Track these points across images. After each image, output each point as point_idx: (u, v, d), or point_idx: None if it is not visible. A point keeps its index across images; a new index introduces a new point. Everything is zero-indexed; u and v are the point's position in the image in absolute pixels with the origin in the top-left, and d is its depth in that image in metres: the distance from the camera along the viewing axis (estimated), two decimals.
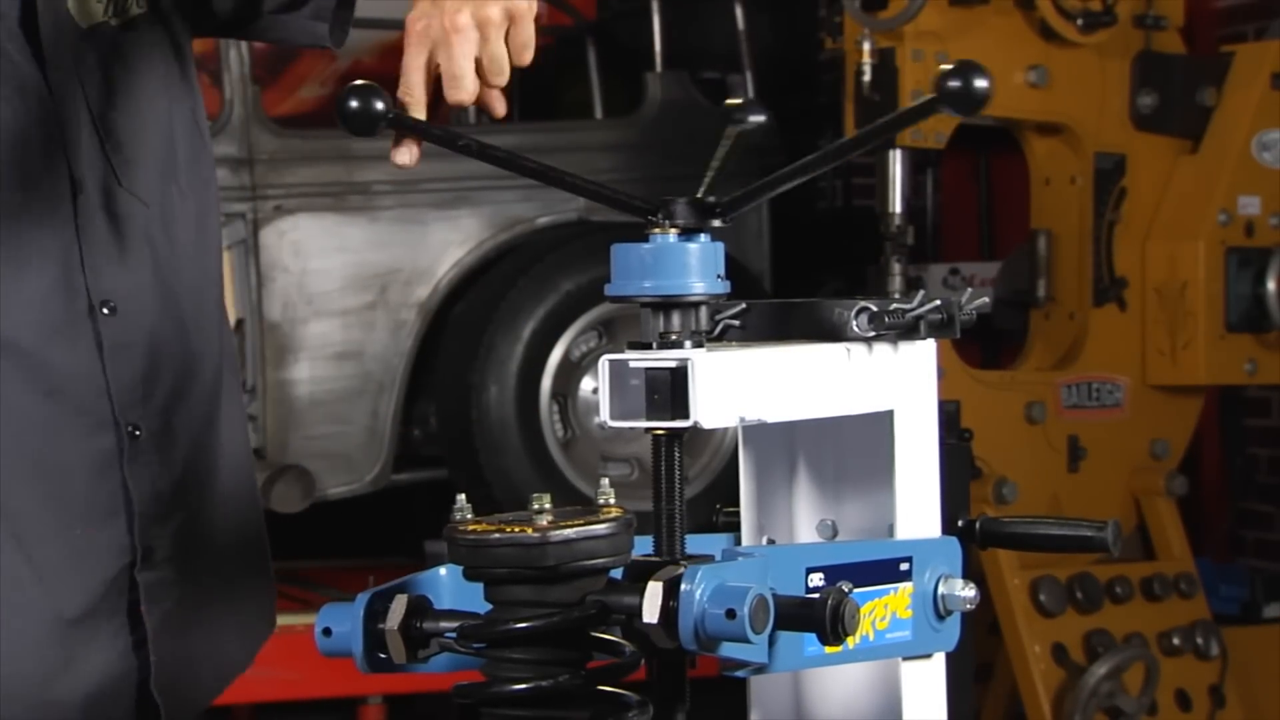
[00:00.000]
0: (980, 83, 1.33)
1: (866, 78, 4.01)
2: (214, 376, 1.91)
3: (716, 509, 1.62)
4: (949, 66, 1.34)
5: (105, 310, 1.78)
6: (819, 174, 1.49)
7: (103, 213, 1.79)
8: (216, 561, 1.91)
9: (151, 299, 1.82)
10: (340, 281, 4.50)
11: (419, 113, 1.60)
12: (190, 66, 1.92)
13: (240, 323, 4.44)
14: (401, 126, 1.54)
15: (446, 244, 4.61)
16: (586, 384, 4.58)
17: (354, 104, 1.48)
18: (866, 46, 3.99)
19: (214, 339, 1.92)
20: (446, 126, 1.54)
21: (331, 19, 1.92)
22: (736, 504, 1.60)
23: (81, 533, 1.78)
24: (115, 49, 1.81)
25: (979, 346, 4.89)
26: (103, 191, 1.78)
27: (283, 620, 4.25)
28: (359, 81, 1.49)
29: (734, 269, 1.41)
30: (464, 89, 1.58)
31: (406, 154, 1.61)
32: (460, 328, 4.58)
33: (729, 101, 1.37)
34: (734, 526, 1.59)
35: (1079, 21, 4.17)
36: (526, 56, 1.61)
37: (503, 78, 1.61)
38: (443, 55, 1.58)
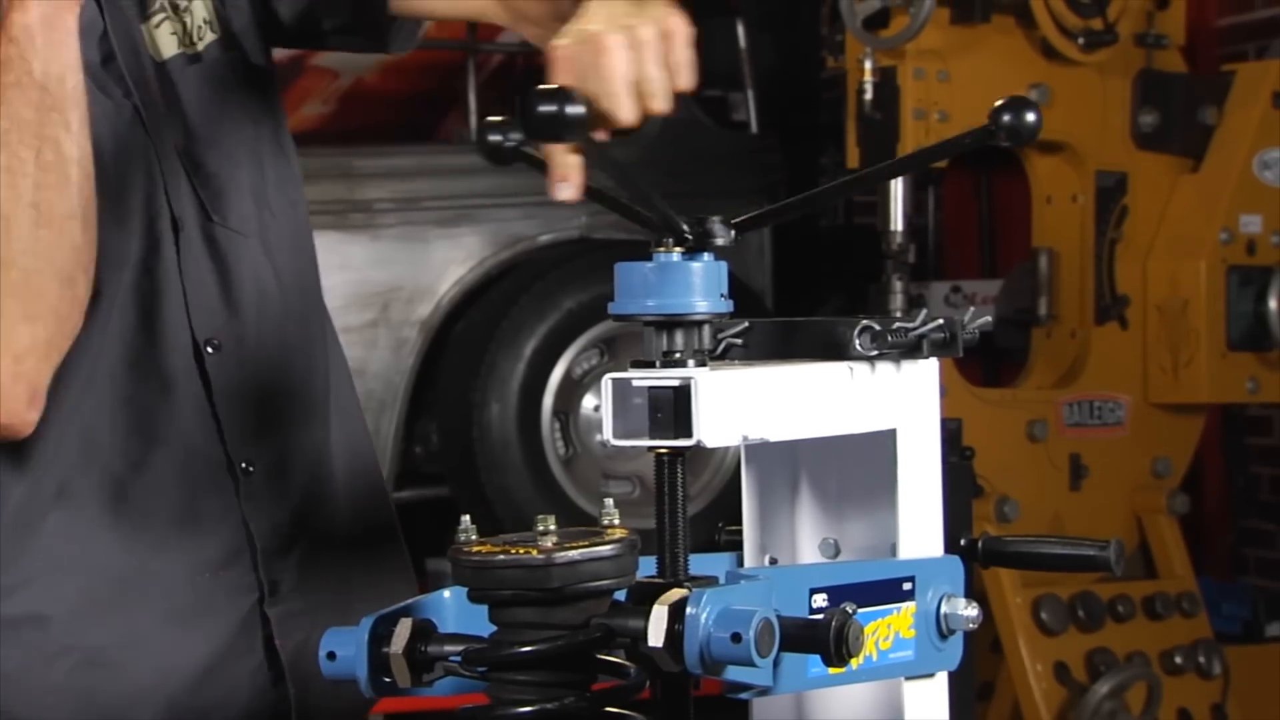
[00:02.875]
0: (1030, 116, 1.39)
1: (868, 96, 4.02)
2: (323, 397, 1.90)
3: (719, 528, 1.61)
4: (1001, 101, 1.38)
5: (210, 349, 1.78)
6: (840, 198, 1.50)
7: (203, 249, 1.78)
8: (344, 582, 1.90)
9: (256, 332, 1.82)
10: (342, 299, 4.50)
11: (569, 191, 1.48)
12: (269, 85, 1.91)
13: None
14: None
15: (448, 262, 4.62)
16: (588, 402, 4.58)
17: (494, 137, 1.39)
18: (868, 65, 3.99)
19: (321, 357, 1.91)
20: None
21: (389, 32, 1.93)
22: (739, 522, 1.60)
23: (210, 576, 1.79)
24: (193, 79, 1.81)
25: (980, 364, 4.89)
26: (200, 227, 1.78)
27: None
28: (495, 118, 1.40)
29: (736, 286, 1.41)
30: (623, 112, 1.45)
31: (570, 189, 1.46)
32: (462, 345, 4.58)
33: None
34: (736, 545, 1.59)
35: (1080, 40, 4.17)
36: (685, 78, 1.48)
37: (663, 101, 1.47)
38: (594, 81, 1.42)
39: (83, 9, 1.66)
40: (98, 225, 1.66)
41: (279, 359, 1.84)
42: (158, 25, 1.80)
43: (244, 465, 1.80)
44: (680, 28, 1.48)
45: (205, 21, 1.83)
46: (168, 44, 1.80)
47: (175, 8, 1.82)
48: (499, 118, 1.38)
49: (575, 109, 1.30)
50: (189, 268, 1.77)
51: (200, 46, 1.82)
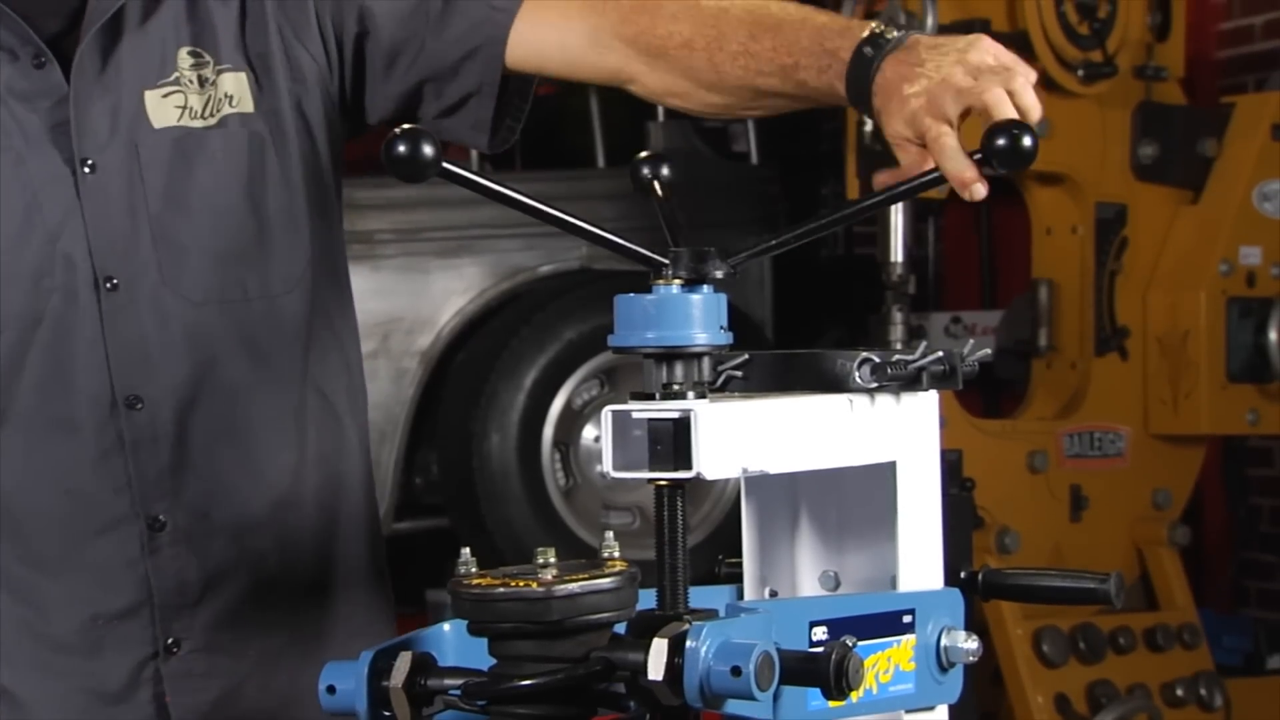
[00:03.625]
0: (1027, 140, 1.37)
1: (868, 127, 4.02)
2: (281, 454, 1.88)
3: (719, 560, 1.61)
4: (995, 123, 1.35)
5: (128, 406, 1.79)
6: (840, 227, 1.51)
7: (144, 308, 1.79)
8: (285, 637, 1.89)
9: (191, 394, 1.82)
10: None
11: (982, 189, 1.56)
12: (312, 159, 1.89)
13: None
14: (453, 177, 1.46)
15: (449, 292, 4.62)
16: (588, 432, 4.58)
17: (402, 149, 1.40)
18: None
19: (292, 427, 1.89)
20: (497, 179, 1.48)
21: (491, 129, 1.94)
22: (739, 554, 1.60)
23: (102, 624, 1.80)
24: (185, 148, 1.82)
25: (981, 395, 4.89)
26: (147, 289, 1.80)
27: None
28: (406, 125, 1.43)
29: (736, 317, 1.41)
30: (1034, 115, 1.54)
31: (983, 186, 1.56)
32: (462, 376, 4.58)
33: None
34: (736, 578, 1.58)
35: (1080, 72, 4.19)
36: (1034, 115, 1.55)
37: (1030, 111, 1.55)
38: (991, 98, 1.53)
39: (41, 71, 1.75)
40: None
41: (218, 419, 1.83)
42: (164, 95, 1.82)
43: (155, 519, 1.81)
44: (1003, 53, 1.57)
45: (228, 95, 1.85)
46: (166, 115, 1.82)
47: (202, 81, 1.84)
48: (409, 126, 1.38)
49: (429, 149, 1.34)
50: (118, 326, 1.78)
51: (212, 119, 1.84)
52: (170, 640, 1.82)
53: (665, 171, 1.41)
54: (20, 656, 1.81)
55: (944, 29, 4.00)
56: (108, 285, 1.78)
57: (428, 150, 1.34)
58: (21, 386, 1.78)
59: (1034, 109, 1.55)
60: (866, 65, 1.64)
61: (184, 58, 1.84)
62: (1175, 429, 4.34)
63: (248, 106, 1.85)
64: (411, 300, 4.58)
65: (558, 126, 5.63)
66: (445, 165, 1.36)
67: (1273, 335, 4.29)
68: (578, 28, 1.84)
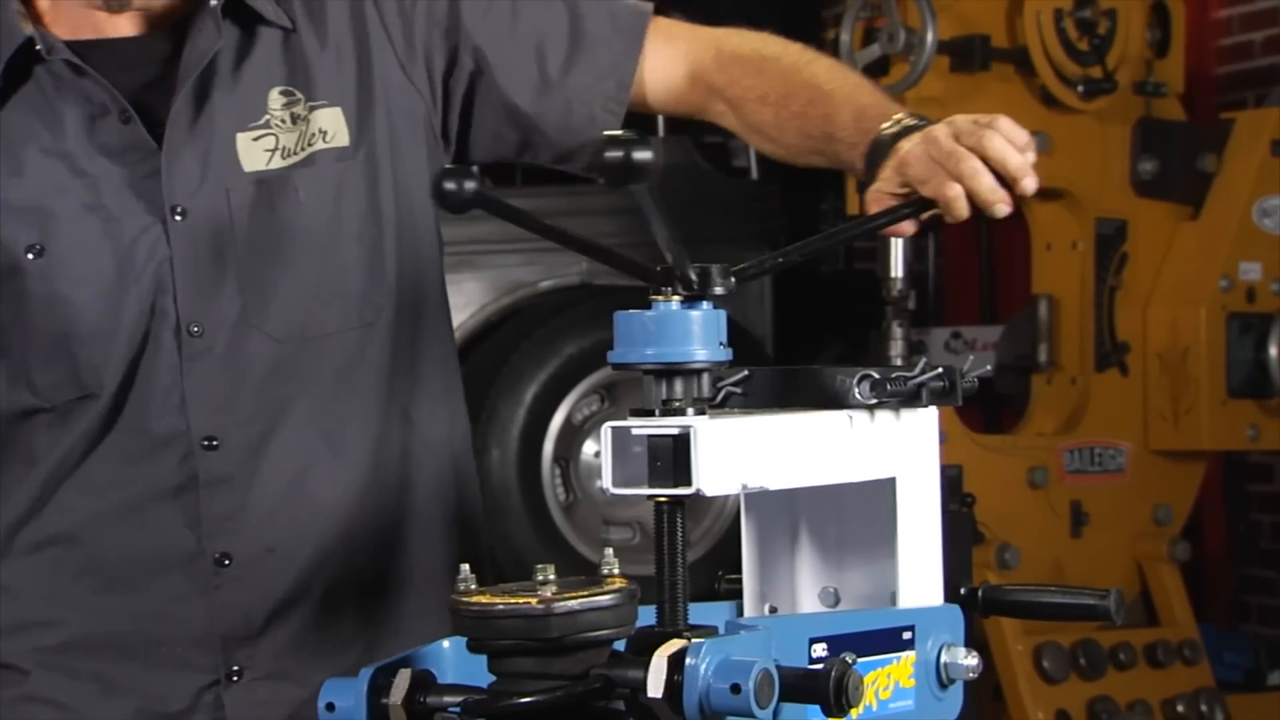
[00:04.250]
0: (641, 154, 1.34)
1: None
2: (353, 482, 1.88)
3: (719, 576, 1.61)
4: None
5: (204, 444, 1.81)
6: (832, 247, 1.52)
7: (221, 353, 1.81)
8: (354, 668, 1.89)
9: (263, 429, 1.83)
10: None
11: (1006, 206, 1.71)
12: (406, 191, 1.90)
13: None
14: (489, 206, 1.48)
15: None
16: (589, 448, 4.58)
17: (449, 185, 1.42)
18: None
19: (367, 457, 1.89)
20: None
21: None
22: (738, 570, 1.60)
23: (168, 651, 1.83)
24: (277, 187, 1.83)
25: (981, 410, 4.89)
26: (229, 330, 1.81)
27: None
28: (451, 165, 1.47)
29: (736, 332, 1.41)
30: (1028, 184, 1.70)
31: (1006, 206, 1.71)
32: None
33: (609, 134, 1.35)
34: (736, 594, 1.58)
35: (1080, 88, 4.19)
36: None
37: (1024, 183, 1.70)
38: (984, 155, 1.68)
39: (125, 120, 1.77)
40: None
41: (292, 454, 1.84)
42: (255, 138, 1.83)
43: (222, 555, 1.82)
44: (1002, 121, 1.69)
45: (321, 131, 1.85)
46: (256, 158, 1.83)
47: (294, 118, 1.85)
48: (452, 166, 1.42)
49: (471, 183, 1.36)
50: (196, 371, 1.80)
51: (302, 155, 1.85)
52: (234, 668, 1.84)
53: (645, 155, 1.38)
54: (84, 671, 1.83)
55: (944, 45, 4.01)
56: (190, 331, 1.79)
57: (470, 186, 1.37)
58: (105, 424, 1.81)
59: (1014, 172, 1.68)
60: (883, 148, 1.77)
61: (275, 98, 1.85)
62: (1176, 444, 4.34)
63: (343, 140, 1.86)
64: None
65: None
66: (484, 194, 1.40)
67: (1273, 351, 4.29)
68: (681, 70, 1.96)
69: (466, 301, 4.64)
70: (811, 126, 1.87)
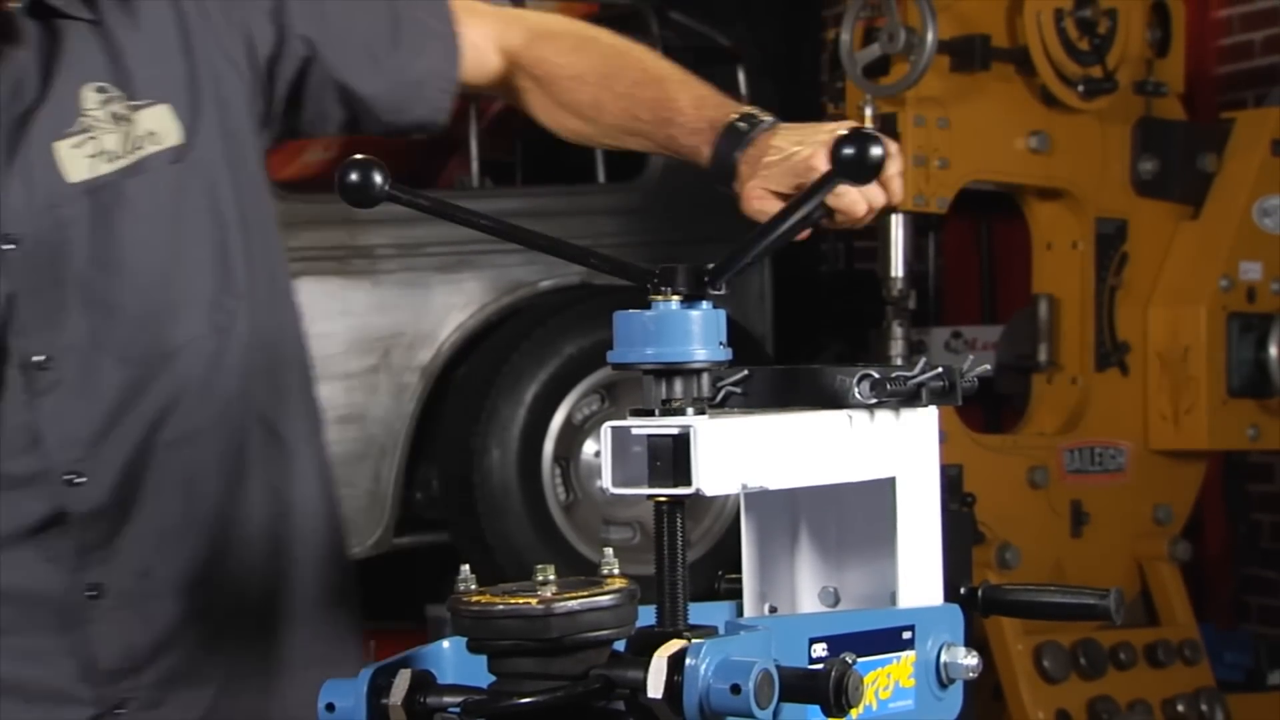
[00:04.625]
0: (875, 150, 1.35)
1: None
2: (237, 502, 1.84)
3: (719, 576, 1.61)
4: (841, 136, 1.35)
5: (68, 480, 1.74)
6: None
7: (73, 384, 1.72)
8: (241, 685, 1.86)
9: (129, 457, 1.76)
10: (343, 345, 4.50)
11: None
12: (241, 183, 1.83)
13: None
14: (400, 199, 1.51)
15: (449, 307, 4.62)
16: (589, 447, 4.58)
17: (353, 177, 1.46)
18: (869, 112, 4.00)
19: (234, 467, 1.84)
20: (441, 197, 1.55)
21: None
22: (738, 570, 1.60)
23: (50, 685, 1.77)
24: (111, 198, 1.73)
25: (981, 410, 4.89)
26: (78, 358, 1.72)
27: None
28: (358, 156, 1.47)
29: (736, 332, 1.41)
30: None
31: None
32: (463, 391, 4.58)
33: None
34: (736, 594, 1.58)
35: (1080, 88, 4.19)
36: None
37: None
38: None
39: None
40: None
41: (161, 476, 1.78)
42: (75, 145, 1.72)
43: (94, 585, 1.76)
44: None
45: (150, 133, 1.75)
46: (79, 166, 1.72)
47: (116, 118, 1.73)
48: (360, 157, 1.43)
49: (379, 179, 1.36)
50: (48, 406, 1.72)
51: (131, 158, 1.74)
52: (119, 700, 1.79)
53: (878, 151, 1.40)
54: None
55: (944, 45, 4.01)
56: (36, 365, 1.71)
57: (378, 179, 1.40)
58: None
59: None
60: (739, 136, 1.80)
61: (89, 97, 1.73)
62: (1176, 444, 4.34)
63: (174, 139, 1.76)
64: (412, 315, 4.58)
65: (558, 141, 5.63)
66: (391, 190, 1.42)
67: (1273, 351, 4.29)
68: (491, 46, 1.95)
69: (466, 301, 4.63)
70: (639, 108, 1.88)
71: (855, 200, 1.74)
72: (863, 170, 1.34)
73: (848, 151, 1.33)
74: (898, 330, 4.09)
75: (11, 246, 1.70)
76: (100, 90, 1.74)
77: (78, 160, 1.72)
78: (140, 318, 1.75)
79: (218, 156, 1.80)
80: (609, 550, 1.38)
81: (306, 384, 1.93)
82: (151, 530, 1.79)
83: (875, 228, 4.17)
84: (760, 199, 1.77)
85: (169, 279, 1.77)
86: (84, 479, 1.74)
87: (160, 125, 1.75)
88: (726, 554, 4.27)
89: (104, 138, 1.73)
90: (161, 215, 1.75)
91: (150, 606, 1.79)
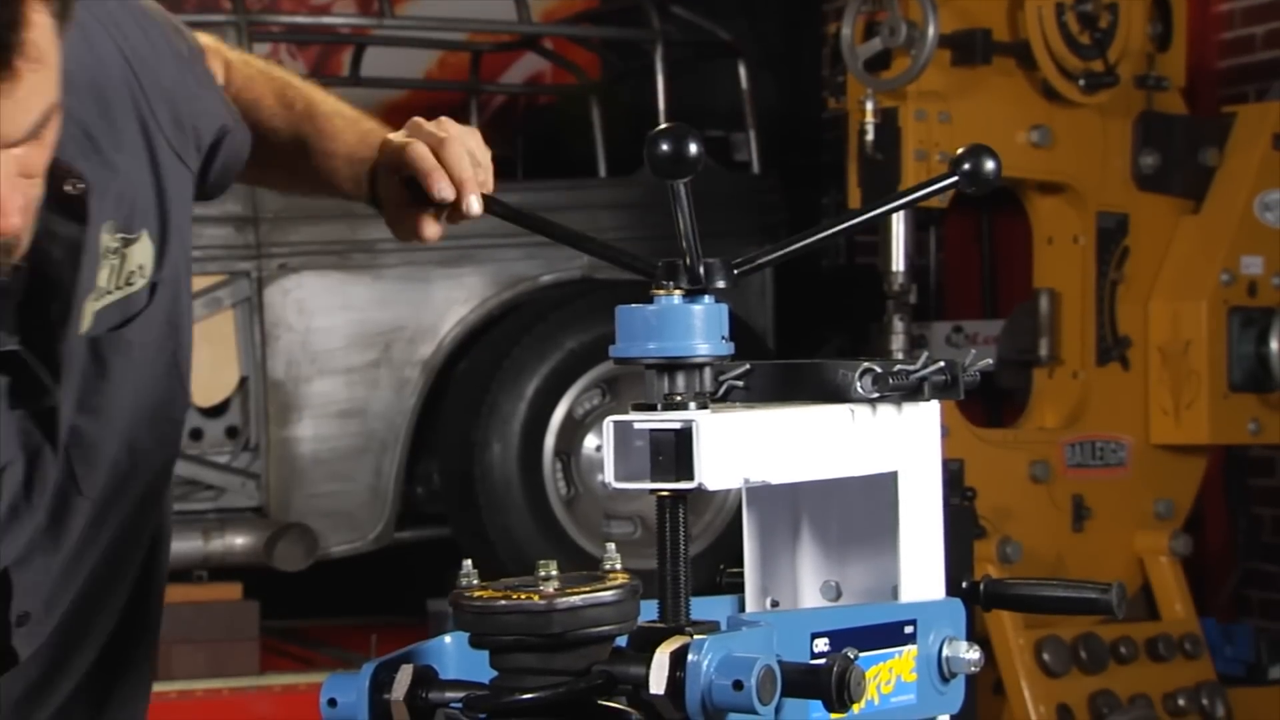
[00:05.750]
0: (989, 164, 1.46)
1: (869, 137, 4.03)
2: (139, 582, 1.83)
3: (720, 570, 1.61)
4: (962, 150, 1.40)
5: (18, 623, 1.68)
6: (834, 238, 1.52)
7: (45, 527, 1.68)
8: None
9: (66, 591, 1.72)
10: (344, 339, 4.50)
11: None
12: (187, 290, 1.78)
13: (244, 381, 4.45)
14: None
15: (450, 302, 4.62)
16: (590, 442, 4.58)
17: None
18: (869, 106, 4.01)
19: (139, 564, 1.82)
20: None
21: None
22: (740, 564, 1.60)
23: None
24: (108, 348, 1.67)
25: (982, 405, 4.89)
26: (58, 504, 1.68)
27: (286, 680, 4.26)
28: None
29: (737, 326, 1.41)
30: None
31: (433, 229, 1.75)
32: (464, 386, 4.58)
33: None
34: (738, 588, 1.58)
35: (1081, 82, 4.19)
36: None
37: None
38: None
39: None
40: None
41: (96, 602, 1.77)
42: (95, 299, 1.64)
43: None
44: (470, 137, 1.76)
45: (140, 267, 1.68)
46: (86, 314, 1.64)
47: (108, 251, 1.65)
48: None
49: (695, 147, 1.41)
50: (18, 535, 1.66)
51: (119, 294, 1.67)
52: None
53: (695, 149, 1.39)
54: None
55: (945, 39, 4.01)
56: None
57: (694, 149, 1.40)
58: None
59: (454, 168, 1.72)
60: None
61: (107, 241, 1.64)
62: (1177, 439, 4.34)
63: (149, 269, 1.69)
64: (413, 310, 4.58)
65: (559, 135, 5.63)
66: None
67: (1274, 345, 4.29)
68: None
69: (467, 296, 4.64)
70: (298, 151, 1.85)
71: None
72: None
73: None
74: (899, 325, 4.09)
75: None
76: (110, 228, 1.65)
77: (89, 312, 1.66)
78: (96, 459, 1.70)
79: (181, 273, 1.75)
80: (611, 546, 1.38)
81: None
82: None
83: (878, 223, 4.17)
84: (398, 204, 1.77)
85: (140, 412, 1.73)
86: (28, 615, 1.69)
87: (145, 257, 1.69)
88: (728, 549, 4.27)
89: (102, 277, 1.65)
90: (144, 352, 1.72)
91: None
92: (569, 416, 4.57)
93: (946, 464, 1.57)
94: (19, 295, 1.58)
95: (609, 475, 1.35)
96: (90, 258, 1.61)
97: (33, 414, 1.62)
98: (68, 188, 1.57)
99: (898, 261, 4.05)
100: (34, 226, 1.52)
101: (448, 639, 1.41)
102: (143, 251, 1.68)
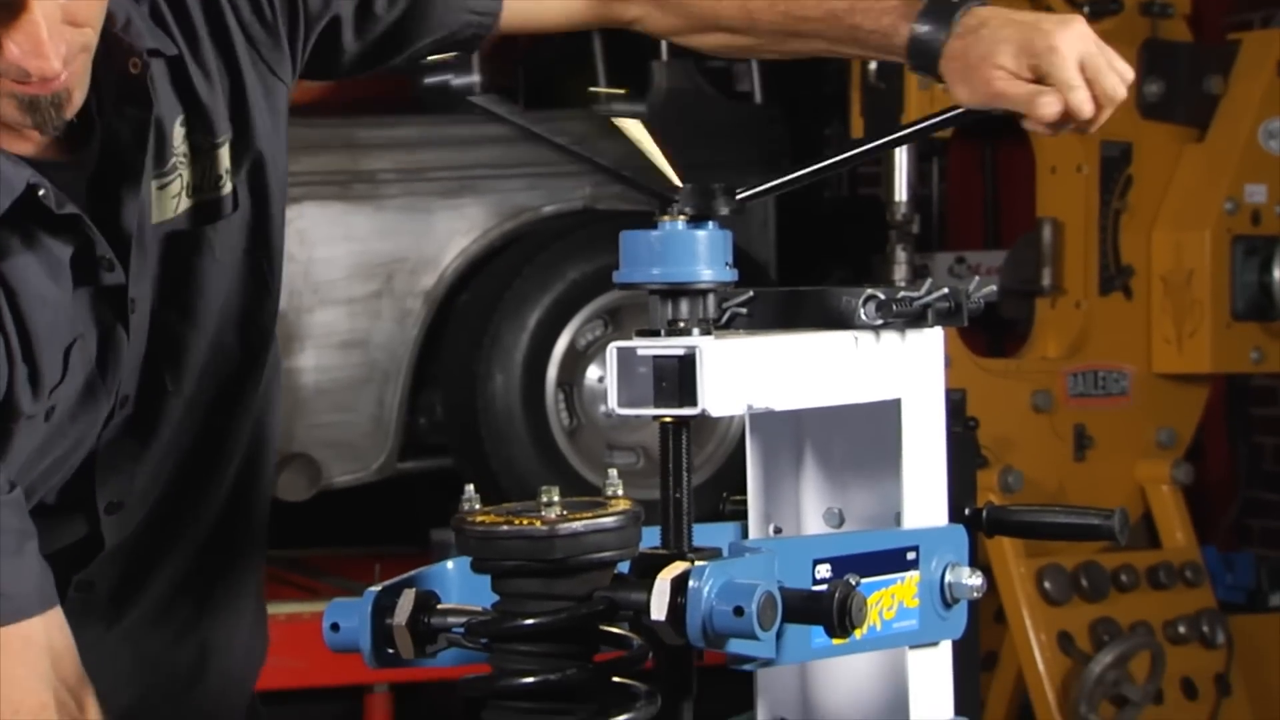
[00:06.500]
0: None
1: (872, 66, 4.00)
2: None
3: (724, 497, 1.61)
4: None
5: (107, 513, 1.74)
6: (842, 170, 1.51)
7: (133, 418, 1.71)
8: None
9: (156, 486, 1.76)
10: (346, 270, 4.49)
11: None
12: (281, 199, 1.80)
13: None
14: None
15: (452, 233, 4.60)
16: (592, 373, 4.58)
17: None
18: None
19: (223, 491, 1.85)
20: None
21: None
22: (743, 492, 1.60)
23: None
24: (193, 248, 1.71)
25: (985, 335, 4.88)
26: (146, 398, 1.72)
27: (290, 609, 4.28)
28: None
29: (740, 259, 1.41)
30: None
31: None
32: (466, 316, 4.58)
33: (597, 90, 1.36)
34: (741, 515, 1.59)
35: (1085, 9, 4.16)
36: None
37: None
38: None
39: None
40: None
41: (173, 509, 1.80)
42: (161, 186, 1.68)
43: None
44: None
45: (228, 170, 1.72)
46: (164, 206, 1.68)
47: (194, 150, 1.69)
48: (442, 57, 1.39)
49: (465, 79, 1.37)
50: (110, 436, 1.70)
51: (204, 197, 1.71)
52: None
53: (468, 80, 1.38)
54: None
55: None
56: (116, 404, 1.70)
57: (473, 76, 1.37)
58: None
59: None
60: (948, 11, 1.67)
61: (179, 134, 1.68)
62: (1179, 368, 4.34)
63: (233, 173, 1.73)
64: (415, 240, 4.57)
65: (560, 66, 5.60)
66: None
67: (1277, 274, 4.28)
68: None
69: (469, 226, 4.62)
70: (802, 5, 1.74)
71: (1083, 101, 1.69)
72: None
73: None
74: (901, 255, 4.08)
75: (133, 314, 1.68)
76: (184, 125, 1.70)
77: (165, 200, 1.69)
78: (185, 357, 1.74)
79: (271, 179, 1.76)
80: (613, 472, 1.38)
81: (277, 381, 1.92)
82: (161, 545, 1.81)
83: (880, 154, 4.15)
84: (1004, 80, 1.66)
85: (227, 316, 1.76)
86: (119, 504, 1.74)
87: (228, 167, 1.73)
88: (730, 480, 4.27)
89: (185, 174, 1.69)
90: (228, 255, 1.75)
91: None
92: (571, 347, 4.56)
93: (949, 394, 1.57)
94: (90, 169, 1.61)
95: (612, 401, 1.35)
96: (158, 141, 1.64)
97: (100, 292, 1.64)
98: (131, 67, 1.60)
99: (900, 192, 4.03)
100: (100, 97, 1.56)
101: (450, 564, 1.41)
102: (228, 156, 1.72)
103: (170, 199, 1.69)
